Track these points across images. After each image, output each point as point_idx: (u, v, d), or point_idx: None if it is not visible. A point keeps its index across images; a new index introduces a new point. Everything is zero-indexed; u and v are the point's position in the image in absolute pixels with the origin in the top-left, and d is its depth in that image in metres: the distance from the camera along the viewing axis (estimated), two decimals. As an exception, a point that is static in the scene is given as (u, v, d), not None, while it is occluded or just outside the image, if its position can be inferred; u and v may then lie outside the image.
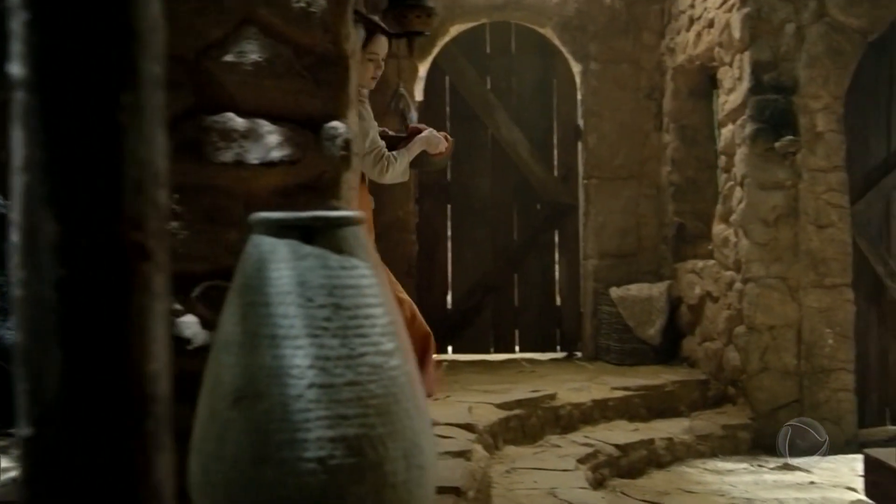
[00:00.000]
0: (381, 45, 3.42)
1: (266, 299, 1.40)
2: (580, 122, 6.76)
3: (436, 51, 6.71)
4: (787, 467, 4.71)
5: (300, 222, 1.46)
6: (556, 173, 6.87)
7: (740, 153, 5.20)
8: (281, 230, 1.45)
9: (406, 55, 6.58)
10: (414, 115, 6.21)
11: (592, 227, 6.65)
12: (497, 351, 6.82)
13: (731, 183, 5.34)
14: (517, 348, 6.86)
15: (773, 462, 4.81)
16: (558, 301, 6.94)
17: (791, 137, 4.99)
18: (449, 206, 6.85)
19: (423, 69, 6.72)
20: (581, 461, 4.19)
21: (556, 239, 6.93)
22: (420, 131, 3.71)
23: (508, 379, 5.58)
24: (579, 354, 6.75)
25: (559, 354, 6.83)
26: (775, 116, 5.06)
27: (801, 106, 5.06)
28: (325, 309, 1.40)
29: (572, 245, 6.87)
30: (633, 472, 4.54)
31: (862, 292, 5.41)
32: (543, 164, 6.83)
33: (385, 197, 6.52)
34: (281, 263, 1.42)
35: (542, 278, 6.88)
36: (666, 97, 6.48)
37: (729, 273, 5.38)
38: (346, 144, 1.94)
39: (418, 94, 6.74)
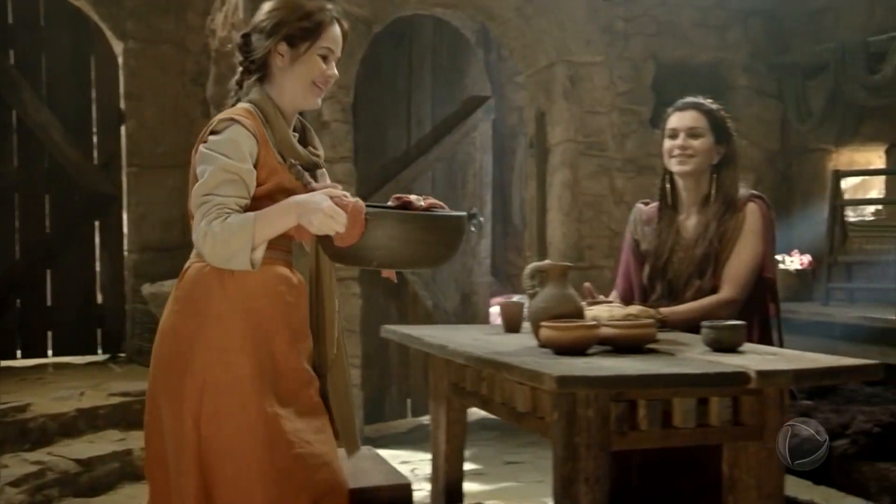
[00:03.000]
0: (333, 36, 2.23)
1: None
2: (123, 105, 6.23)
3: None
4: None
5: None
6: (96, 160, 6.29)
7: (247, 141, 4.94)
8: None
9: None
10: None
11: (133, 219, 6.17)
12: (26, 356, 6.14)
13: (244, 173, 5.07)
14: (50, 352, 6.22)
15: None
16: (100, 299, 6.38)
17: (291, 126, 4.80)
18: (-36, 195, 6.05)
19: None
20: (15, 483, 3.70)
21: (98, 231, 6.35)
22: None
23: (3, 389, 4.96)
24: (124, 356, 6.25)
25: (101, 357, 6.28)
26: (279, 104, 4.85)
27: (307, 94, 4.89)
28: None
29: (116, 238, 6.34)
30: (98, 488, 4.13)
31: (382, 287, 5.37)
32: (81, 149, 6.22)
33: None
34: None
35: (81, 274, 6.28)
36: (209, 82, 6.11)
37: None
38: None
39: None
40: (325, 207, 1.97)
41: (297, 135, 2.27)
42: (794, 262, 4.89)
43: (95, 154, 6.30)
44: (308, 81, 2.20)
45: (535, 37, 5.39)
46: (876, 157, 5.27)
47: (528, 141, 5.76)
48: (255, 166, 2.10)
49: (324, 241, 2.09)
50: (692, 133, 2.84)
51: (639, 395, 1.96)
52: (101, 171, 6.27)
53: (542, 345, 2.24)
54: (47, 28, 6.17)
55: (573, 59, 5.33)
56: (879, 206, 5.02)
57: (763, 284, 2.83)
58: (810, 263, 4.85)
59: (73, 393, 4.76)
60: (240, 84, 2.24)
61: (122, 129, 6.26)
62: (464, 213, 2.17)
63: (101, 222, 6.33)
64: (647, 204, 3.05)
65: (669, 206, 2.94)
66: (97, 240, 6.35)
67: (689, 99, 2.92)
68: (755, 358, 2.09)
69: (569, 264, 2.39)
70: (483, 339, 2.52)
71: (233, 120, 2.09)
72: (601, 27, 5.36)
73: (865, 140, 5.18)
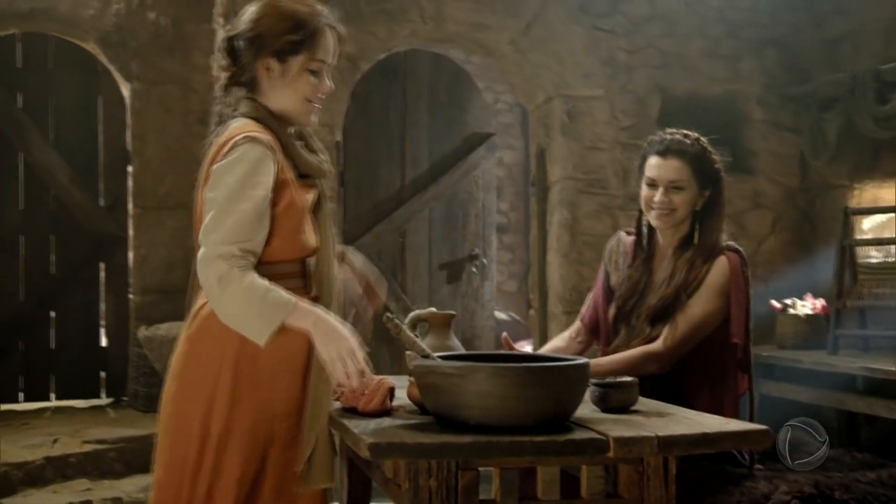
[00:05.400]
0: (327, 46, 2.06)
1: None
2: (130, 146, 6.21)
3: (-50, 63, 5.96)
4: None
5: None
6: (102, 202, 6.27)
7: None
8: None
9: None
10: None
11: (135, 261, 6.10)
12: (29, 399, 6.09)
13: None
14: (53, 395, 6.16)
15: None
16: (104, 342, 6.32)
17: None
18: (-31, 238, 6.07)
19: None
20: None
21: (103, 273, 6.31)
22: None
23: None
24: (127, 400, 6.15)
25: (104, 400, 6.20)
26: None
27: (288, 132, 4.76)
28: None
29: (121, 280, 6.28)
30: (50, 541, 3.99)
31: (375, 331, 5.17)
32: (87, 191, 6.20)
33: None
34: None
35: (84, 317, 6.22)
36: (211, 122, 6.05)
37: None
38: None
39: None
40: (345, 348, 1.83)
41: (301, 142, 2.10)
42: (805, 306, 4.52)
43: (102, 195, 6.27)
44: (301, 100, 2.04)
45: (533, 71, 5.17)
46: (904, 194, 4.88)
47: (531, 179, 5.52)
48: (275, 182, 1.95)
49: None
50: (674, 186, 2.56)
51: (492, 464, 1.71)
52: (107, 213, 6.24)
53: (415, 402, 2.00)
54: (55, 70, 6.19)
55: (571, 92, 5.09)
56: (903, 247, 4.63)
57: (729, 352, 2.54)
58: (823, 308, 4.47)
59: (46, 440, 4.65)
60: (225, 91, 2.11)
61: (129, 170, 6.23)
62: (580, 362, 1.81)
63: (106, 264, 6.28)
64: (630, 234, 2.79)
65: (645, 248, 2.70)
66: (102, 282, 6.30)
67: (673, 139, 2.62)
68: (634, 421, 1.82)
69: (451, 312, 2.15)
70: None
71: (249, 137, 1.94)
72: (601, 59, 5.11)
73: (886, 175, 4.79)
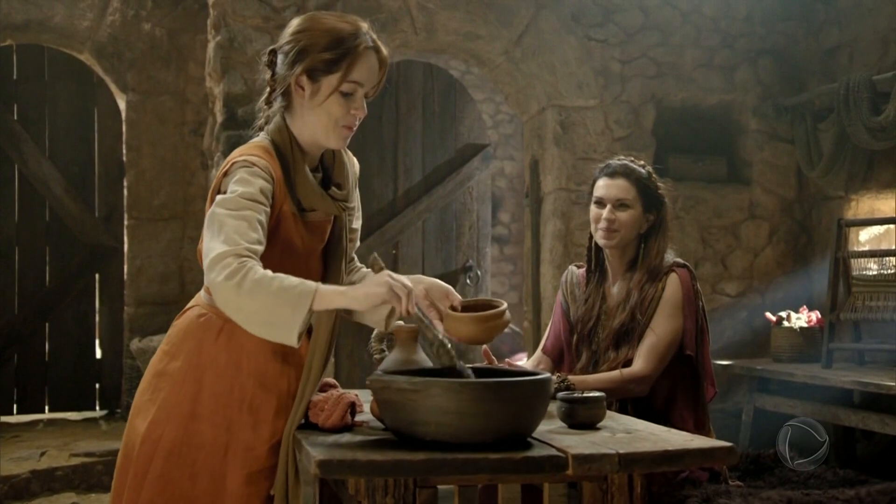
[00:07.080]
0: (365, 67, 1.93)
1: None
2: (125, 157, 6.19)
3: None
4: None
5: None
6: (97, 213, 6.25)
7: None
8: None
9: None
10: None
11: (129, 272, 6.08)
12: (23, 411, 6.06)
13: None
14: (47, 407, 6.13)
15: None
16: (99, 353, 6.29)
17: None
18: (-36, 249, 6.06)
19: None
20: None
21: (98, 285, 6.29)
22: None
23: (-27, 446, 4.87)
24: (120, 412, 6.12)
25: (98, 413, 6.17)
26: (248, 154, 4.70)
27: (279, 143, 4.74)
28: None
29: (117, 291, 6.25)
30: (34, 555, 3.95)
31: (367, 343, 5.14)
32: (82, 202, 6.18)
33: None
34: None
35: (78, 328, 6.20)
36: (206, 133, 6.04)
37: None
38: None
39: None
40: (376, 285, 1.74)
41: (319, 175, 2.03)
42: (800, 319, 4.46)
43: (97, 206, 6.25)
44: (330, 122, 1.93)
45: (526, 81, 5.14)
46: (900, 205, 4.81)
47: (525, 190, 5.48)
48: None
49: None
50: (619, 204, 2.69)
51: (448, 481, 1.67)
52: (102, 224, 6.22)
53: (378, 418, 1.96)
54: (51, 82, 6.19)
55: (564, 103, 5.05)
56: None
57: (688, 364, 2.62)
58: (819, 321, 4.41)
59: (33, 453, 4.62)
60: (268, 104, 2.03)
61: (125, 181, 6.22)
62: (540, 377, 1.74)
63: (101, 275, 6.26)
64: (580, 267, 2.90)
65: (596, 271, 2.80)
66: (96, 293, 6.28)
67: (620, 163, 2.76)
68: (598, 437, 1.77)
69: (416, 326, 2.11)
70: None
71: (246, 161, 1.87)
72: (595, 70, 5.07)
73: (882, 186, 4.74)
